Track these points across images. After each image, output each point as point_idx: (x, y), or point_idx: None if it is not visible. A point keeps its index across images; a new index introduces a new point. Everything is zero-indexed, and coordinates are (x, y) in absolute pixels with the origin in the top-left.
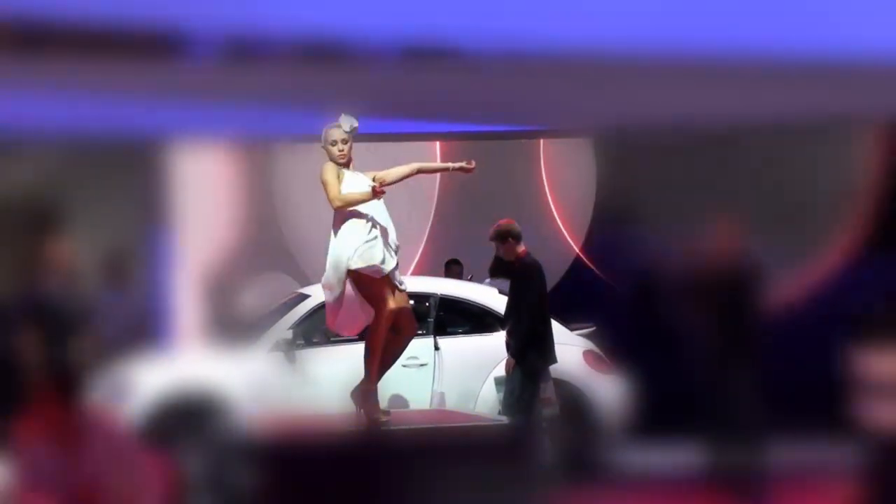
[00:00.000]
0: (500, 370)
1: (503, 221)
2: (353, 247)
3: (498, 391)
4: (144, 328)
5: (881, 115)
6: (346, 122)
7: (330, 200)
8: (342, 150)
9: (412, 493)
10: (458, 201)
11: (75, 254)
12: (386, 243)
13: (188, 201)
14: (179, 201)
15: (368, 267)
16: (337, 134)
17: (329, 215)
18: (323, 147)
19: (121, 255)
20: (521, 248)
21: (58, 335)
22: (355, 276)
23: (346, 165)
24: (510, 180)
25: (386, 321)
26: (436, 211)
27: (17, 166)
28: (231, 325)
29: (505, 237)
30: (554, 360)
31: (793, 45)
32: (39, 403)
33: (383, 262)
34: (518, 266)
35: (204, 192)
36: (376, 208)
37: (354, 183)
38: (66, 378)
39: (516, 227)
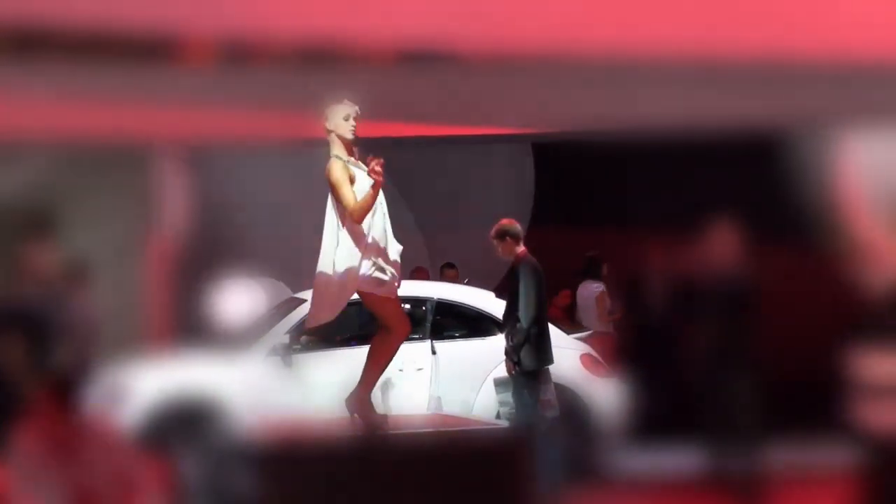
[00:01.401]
0: (499, 371)
1: (504, 221)
2: (367, 263)
3: (497, 392)
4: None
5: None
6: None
7: (349, 213)
8: (354, 127)
9: (409, 497)
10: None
11: (62, 260)
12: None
13: (177, 205)
14: (168, 205)
15: (383, 289)
16: (349, 109)
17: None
18: (329, 130)
19: (80, 262)
20: (521, 248)
21: (49, 341)
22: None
23: (355, 144)
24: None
25: (401, 340)
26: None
27: (5, 172)
28: (216, 329)
29: (503, 236)
30: (550, 361)
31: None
32: (36, 410)
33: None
34: (517, 265)
35: (195, 196)
36: (379, 210)
37: (362, 178)
38: (62, 384)
39: (515, 226)
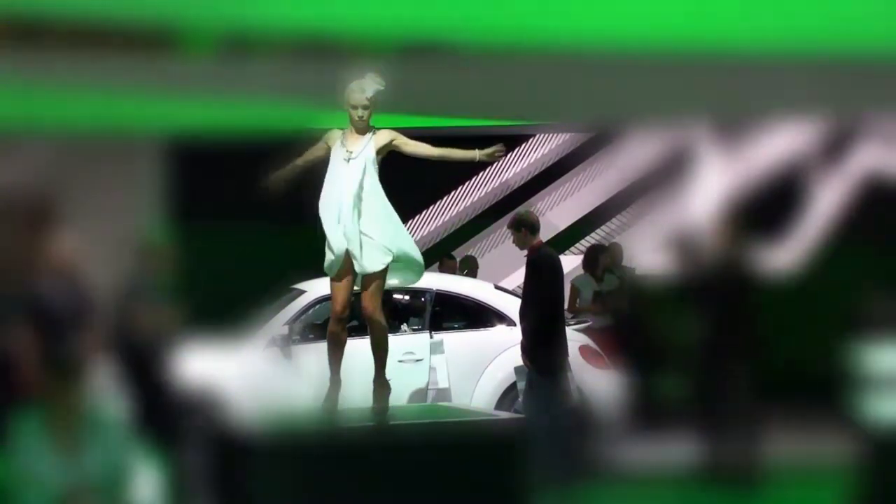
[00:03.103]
0: (500, 363)
1: (521, 210)
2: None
3: (518, 380)
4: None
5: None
6: (370, 85)
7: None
8: (361, 117)
9: (408, 487)
10: None
11: (74, 251)
12: (349, 236)
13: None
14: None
15: (333, 275)
16: (357, 98)
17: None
18: (344, 107)
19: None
20: (536, 240)
21: (56, 332)
22: None
23: (363, 132)
24: None
25: (333, 319)
26: None
27: (15, 163)
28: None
29: (518, 226)
30: (565, 355)
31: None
32: (39, 399)
33: (335, 264)
34: (531, 258)
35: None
36: (348, 192)
37: (337, 157)
38: (65, 375)
39: (532, 216)
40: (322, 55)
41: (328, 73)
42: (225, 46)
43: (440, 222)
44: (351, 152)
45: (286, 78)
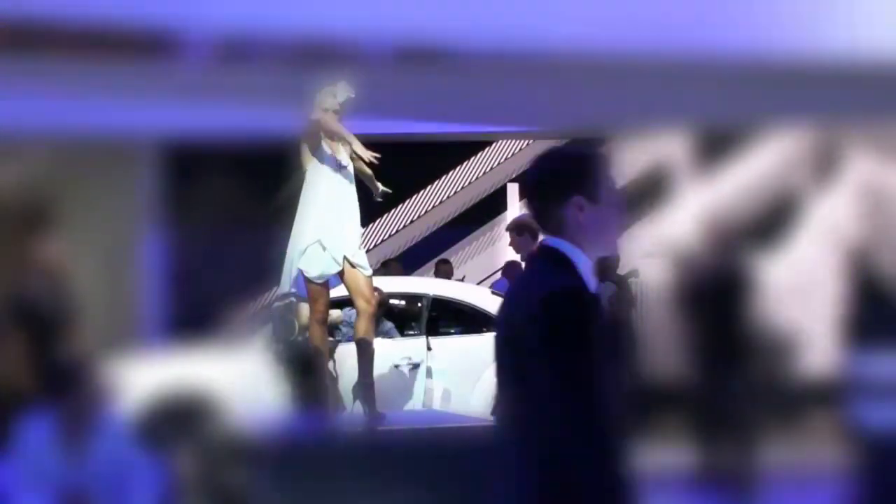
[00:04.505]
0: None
1: (525, 214)
2: (303, 245)
3: None
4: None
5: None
6: (342, 92)
7: (361, 149)
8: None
9: (404, 492)
10: None
11: (65, 254)
12: (341, 237)
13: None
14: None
15: (316, 276)
16: (330, 102)
17: None
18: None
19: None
20: (535, 245)
21: (48, 335)
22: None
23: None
24: None
25: (316, 322)
26: None
27: (6, 166)
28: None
29: (522, 230)
30: None
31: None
32: (39, 405)
33: (329, 266)
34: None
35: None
36: (339, 194)
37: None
38: (64, 379)
39: (535, 222)
40: (320, 58)
41: (326, 76)
42: (223, 49)
43: (402, 225)
44: (341, 158)
45: (284, 80)
